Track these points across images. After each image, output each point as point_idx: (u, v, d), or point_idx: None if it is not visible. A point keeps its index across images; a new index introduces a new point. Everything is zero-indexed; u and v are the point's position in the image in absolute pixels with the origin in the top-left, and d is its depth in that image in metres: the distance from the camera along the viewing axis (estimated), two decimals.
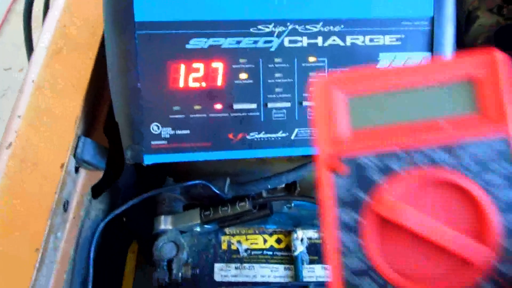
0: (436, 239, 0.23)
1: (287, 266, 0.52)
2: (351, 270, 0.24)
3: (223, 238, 0.54)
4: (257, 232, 0.54)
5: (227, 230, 0.54)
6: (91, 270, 0.46)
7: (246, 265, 0.52)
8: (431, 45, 0.46)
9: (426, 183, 0.24)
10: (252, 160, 0.57)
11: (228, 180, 0.53)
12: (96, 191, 0.50)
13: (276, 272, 0.52)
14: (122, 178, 0.58)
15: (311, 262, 0.52)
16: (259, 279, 0.51)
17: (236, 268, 0.52)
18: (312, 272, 0.52)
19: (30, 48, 0.70)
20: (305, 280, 0.51)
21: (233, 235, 0.54)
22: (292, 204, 0.55)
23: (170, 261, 0.50)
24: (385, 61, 0.46)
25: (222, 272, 0.52)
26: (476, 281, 0.23)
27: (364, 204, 0.24)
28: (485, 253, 0.23)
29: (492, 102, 0.24)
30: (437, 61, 0.27)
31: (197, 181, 0.50)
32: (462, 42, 0.72)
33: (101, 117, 0.48)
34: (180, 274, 0.49)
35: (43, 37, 0.47)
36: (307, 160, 0.55)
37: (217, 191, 0.51)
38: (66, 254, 0.44)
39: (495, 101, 0.24)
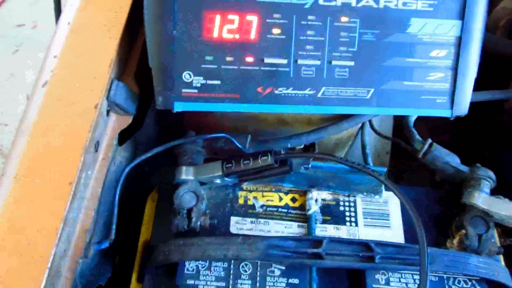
0: None
1: (300, 224, 0.54)
2: None
3: (240, 193, 0.55)
4: (273, 190, 0.56)
5: (244, 186, 0.55)
6: (115, 212, 0.48)
7: (261, 220, 0.54)
8: (463, 13, 0.46)
9: None
10: (272, 121, 0.59)
11: (249, 137, 0.54)
12: (121, 138, 0.51)
13: (290, 229, 0.53)
14: (144, 131, 0.59)
15: (324, 222, 0.54)
16: (273, 234, 0.53)
17: (251, 222, 0.54)
18: (324, 231, 0.53)
19: None
20: None
21: (250, 191, 0.56)
22: (310, 165, 0.57)
23: (189, 210, 0.51)
24: (415, 26, 0.47)
25: (238, 225, 0.53)
26: None
27: None
28: None
29: None
30: None
31: (219, 134, 0.52)
32: None
33: (133, 62, 0.49)
34: (198, 222, 0.51)
35: None
36: (327, 123, 0.56)
37: (239, 145, 0.52)
38: (95, 192, 0.45)
39: None
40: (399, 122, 0.68)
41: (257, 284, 0.48)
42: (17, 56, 1.32)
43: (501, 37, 0.73)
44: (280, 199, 0.55)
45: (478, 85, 0.59)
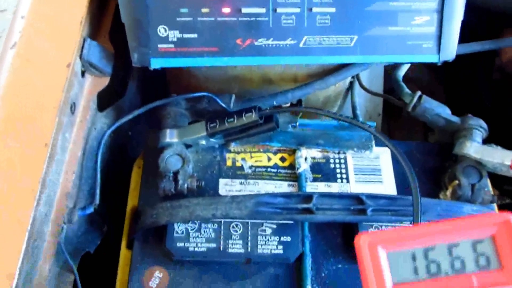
0: None
1: (290, 183, 0.53)
2: None
3: (227, 155, 0.54)
4: (261, 150, 0.55)
5: (231, 148, 0.54)
6: (98, 177, 0.47)
7: (251, 181, 0.53)
8: None
9: None
10: (257, 80, 0.57)
11: (233, 96, 0.53)
12: (102, 104, 0.50)
13: (280, 188, 0.52)
14: (127, 99, 0.58)
15: (314, 180, 0.53)
16: None
17: (240, 183, 0.53)
18: (315, 189, 0.52)
19: None
20: None
21: (238, 152, 0.54)
22: (297, 124, 0.55)
23: (175, 173, 0.50)
24: None
25: (226, 187, 0.52)
26: None
27: None
28: None
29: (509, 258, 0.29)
30: (464, 220, 0.31)
31: (202, 93, 0.50)
32: None
33: (107, 21, 0.47)
34: (186, 185, 0.50)
35: None
36: (313, 79, 0.55)
37: (223, 104, 0.51)
38: (74, 156, 0.44)
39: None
40: (390, 85, 0.67)
41: (249, 244, 0.48)
42: (1, 42, 1.30)
43: None
44: (269, 159, 0.54)
45: (469, 40, 0.58)
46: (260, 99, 0.53)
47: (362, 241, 0.31)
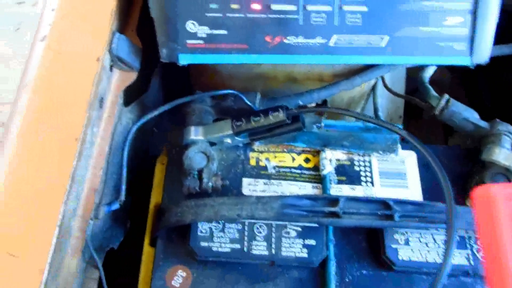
0: None
1: (314, 184, 0.52)
2: None
3: (251, 154, 0.54)
4: (285, 150, 0.54)
5: (255, 147, 0.54)
6: (124, 173, 0.46)
7: (274, 181, 0.52)
8: None
9: None
10: (282, 79, 0.56)
11: (259, 94, 0.52)
12: (127, 99, 0.50)
13: (304, 190, 0.52)
14: (151, 94, 0.58)
15: (339, 182, 0.52)
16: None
17: (264, 183, 0.52)
18: (340, 192, 0.52)
19: None
20: None
21: (262, 152, 0.54)
22: (322, 124, 0.54)
23: (200, 171, 0.50)
24: None
25: (250, 186, 0.52)
26: None
27: None
28: None
29: None
30: None
31: (228, 91, 0.50)
32: None
33: (134, 15, 0.47)
34: (210, 183, 0.49)
35: None
36: (339, 79, 0.54)
37: (248, 102, 0.50)
38: (102, 151, 0.44)
39: None
40: (412, 87, 0.65)
41: (273, 246, 0.47)
42: (18, 34, 1.31)
43: None
44: (293, 159, 0.54)
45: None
46: (285, 98, 0.52)
47: (495, 192, 0.26)
